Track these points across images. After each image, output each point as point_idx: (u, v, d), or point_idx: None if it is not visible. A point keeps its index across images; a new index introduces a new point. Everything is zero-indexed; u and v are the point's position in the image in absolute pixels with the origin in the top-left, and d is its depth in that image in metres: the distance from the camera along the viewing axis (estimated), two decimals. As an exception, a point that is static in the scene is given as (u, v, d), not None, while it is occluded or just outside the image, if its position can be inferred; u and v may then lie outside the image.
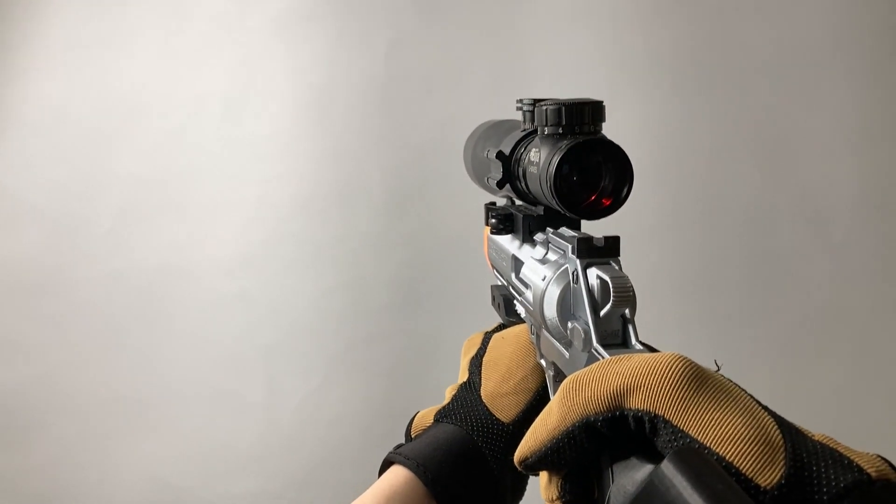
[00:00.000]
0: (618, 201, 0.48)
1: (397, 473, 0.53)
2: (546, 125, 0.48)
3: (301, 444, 1.29)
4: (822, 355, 1.27)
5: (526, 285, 0.55)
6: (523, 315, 0.60)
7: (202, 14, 1.29)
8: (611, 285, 0.43)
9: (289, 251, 1.28)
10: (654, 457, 0.35)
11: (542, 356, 0.56)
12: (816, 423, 0.37)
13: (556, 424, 0.38)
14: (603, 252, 0.46)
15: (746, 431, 0.32)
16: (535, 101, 0.54)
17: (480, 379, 0.61)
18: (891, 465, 0.32)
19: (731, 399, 0.34)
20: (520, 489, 0.59)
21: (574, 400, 0.37)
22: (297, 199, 1.27)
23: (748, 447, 0.32)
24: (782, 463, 0.31)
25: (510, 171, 0.57)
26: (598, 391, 0.36)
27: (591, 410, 0.36)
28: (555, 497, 0.40)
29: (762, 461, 0.31)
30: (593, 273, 0.45)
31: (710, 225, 1.26)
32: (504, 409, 0.58)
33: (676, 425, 0.33)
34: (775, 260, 1.26)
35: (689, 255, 1.27)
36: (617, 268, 0.45)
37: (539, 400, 0.58)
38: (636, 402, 0.35)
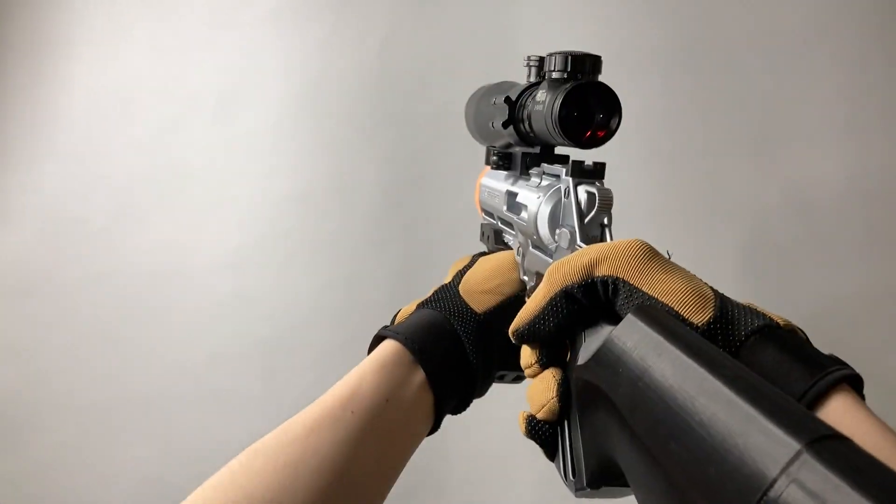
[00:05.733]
0: (610, 133, 0.58)
1: (386, 346, 0.60)
2: (553, 70, 0.58)
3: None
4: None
5: (519, 209, 0.66)
6: (511, 241, 0.72)
7: (194, 9, 1.29)
8: (597, 195, 0.55)
9: (284, 248, 1.28)
10: (618, 321, 0.42)
11: (524, 272, 0.66)
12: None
13: (542, 297, 0.48)
14: (592, 174, 0.57)
15: (686, 287, 0.43)
16: (541, 58, 0.65)
17: (461, 280, 0.69)
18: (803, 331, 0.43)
19: (675, 269, 0.45)
20: (488, 378, 0.66)
21: (555, 276, 0.48)
22: (292, 195, 1.27)
23: (687, 297, 0.42)
24: (711, 309, 0.41)
25: (514, 115, 0.66)
26: (575, 265, 0.47)
27: (569, 280, 0.47)
28: (533, 362, 0.51)
29: (697, 307, 0.42)
30: (582, 189, 0.56)
31: (701, 216, 1.27)
32: (477, 303, 0.66)
33: (633, 284, 0.44)
34: (766, 250, 1.27)
35: (680, 246, 1.27)
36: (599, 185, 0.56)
37: (513, 303, 0.66)
38: (603, 270, 0.46)
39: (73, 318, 1.31)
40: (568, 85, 0.56)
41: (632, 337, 0.39)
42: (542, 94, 0.60)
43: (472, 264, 0.72)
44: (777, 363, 0.39)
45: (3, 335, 1.31)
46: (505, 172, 0.73)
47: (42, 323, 1.31)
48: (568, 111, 0.56)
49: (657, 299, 0.43)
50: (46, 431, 1.32)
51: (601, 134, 0.58)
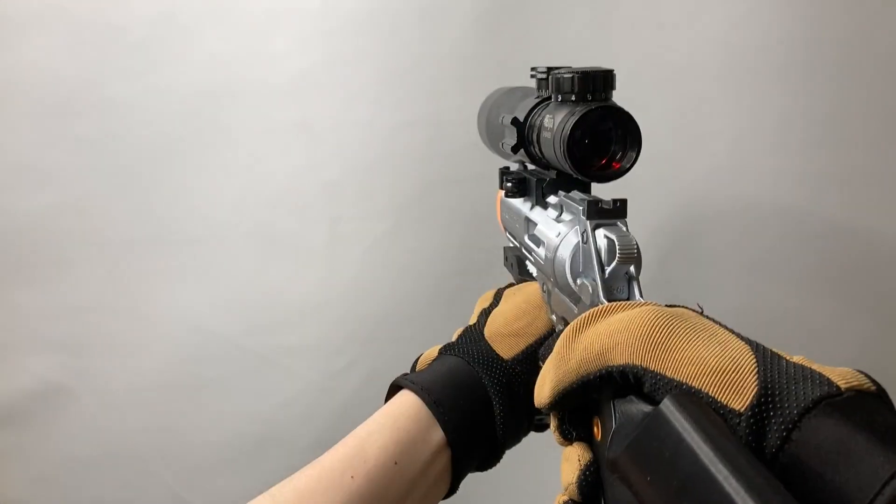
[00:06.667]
0: (626, 166, 0.52)
1: (402, 399, 0.57)
2: (560, 92, 0.51)
3: (366, 294, 1.15)
4: None
5: (538, 243, 0.59)
6: (535, 273, 0.64)
7: None
8: (617, 244, 0.47)
9: (359, 74, 1.09)
10: (650, 398, 0.38)
11: (552, 311, 0.59)
12: None
13: (555, 382, 0.43)
14: (611, 214, 0.50)
15: (717, 362, 0.35)
16: (549, 69, 0.58)
17: (486, 322, 0.65)
18: (869, 377, 0.34)
19: (703, 336, 0.37)
20: (518, 433, 0.62)
21: (567, 364, 0.42)
22: (372, 10, 1.07)
23: (720, 377, 0.35)
24: (754, 386, 0.34)
25: (524, 137, 0.60)
26: (587, 355, 0.41)
27: (584, 371, 0.41)
28: (553, 429, 0.46)
29: (734, 388, 0.34)
30: (601, 233, 0.49)
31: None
32: (505, 348, 0.62)
33: (655, 370, 0.37)
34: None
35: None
36: (624, 229, 0.49)
37: (541, 345, 0.59)
38: (619, 359, 0.39)
39: (109, 140, 1.13)
40: (576, 110, 0.50)
41: (663, 440, 0.33)
42: (549, 119, 0.53)
43: (497, 302, 0.68)
44: (840, 445, 0.30)
45: (32, 158, 1.14)
46: (522, 198, 0.66)
47: (74, 145, 1.14)
48: (577, 140, 0.51)
49: (688, 385, 0.36)
50: (78, 267, 1.18)
51: (616, 166, 0.52)
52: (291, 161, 1.13)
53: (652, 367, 0.37)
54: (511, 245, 0.74)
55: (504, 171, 0.68)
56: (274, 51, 1.10)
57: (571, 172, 0.53)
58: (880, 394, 0.34)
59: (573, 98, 0.50)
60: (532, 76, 0.62)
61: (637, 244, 0.47)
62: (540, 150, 0.57)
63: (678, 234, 1.10)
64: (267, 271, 1.16)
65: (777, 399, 0.33)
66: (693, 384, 0.35)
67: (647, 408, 0.38)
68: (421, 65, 1.09)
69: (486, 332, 0.64)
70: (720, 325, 0.39)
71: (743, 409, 0.34)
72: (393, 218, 1.14)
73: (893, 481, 0.28)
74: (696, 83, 1.05)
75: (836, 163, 1.06)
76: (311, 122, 1.12)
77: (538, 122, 0.57)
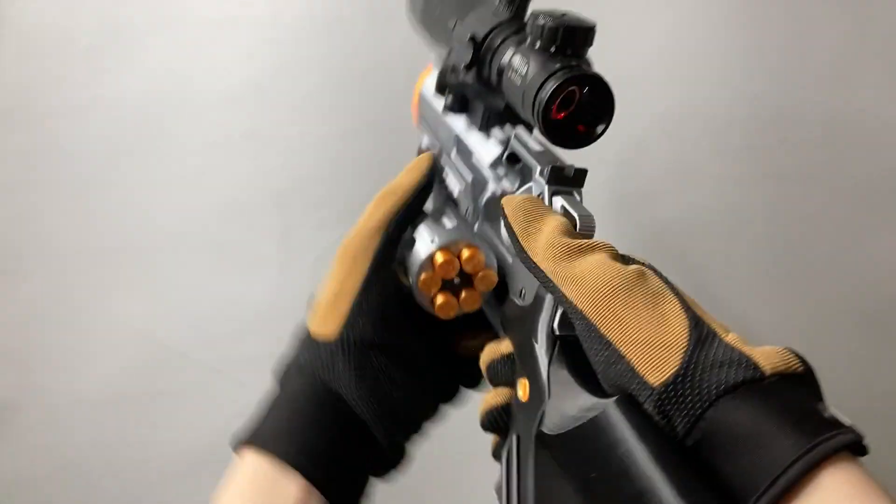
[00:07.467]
0: (594, 135, 0.48)
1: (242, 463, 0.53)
2: (540, 39, 0.47)
3: (317, 304, 1.14)
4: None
5: (472, 172, 0.57)
6: (457, 193, 0.60)
7: None
8: (578, 222, 0.45)
9: (307, 81, 1.09)
10: (591, 384, 0.40)
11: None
12: None
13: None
14: (571, 182, 0.48)
15: (649, 335, 0.36)
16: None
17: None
18: (798, 356, 0.35)
19: (649, 304, 0.38)
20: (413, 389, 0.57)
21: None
22: (319, 18, 1.08)
23: (646, 349, 0.36)
24: (675, 365, 0.34)
25: (479, 57, 0.55)
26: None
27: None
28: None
29: (656, 362, 0.35)
30: (559, 202, 0.47)
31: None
32: (323, 327, 0.58)
33: (593, 323, 0.38)
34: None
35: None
36: (579, 200, 0.48)
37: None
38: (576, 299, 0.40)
39: (53, 152, 1.12)
40: (557, 71, 0.45)
41: (599, 437, 0.35)
42: (520, 62, 0.48)
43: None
44: (753, 429, 0.32)
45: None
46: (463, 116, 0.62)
47: (15, 157, 1.12)
48: (552, 101, 0.46)
49: (615, 348, 0.37)
50: (21, 280, 1.16)
51: (581, 128, 0.48)
52: (240, 170, 1.12)
53: (592, 318, 0.38)
54: (425, 147, 0.71)
55: (446, 80, 0.60)
56: (221, 60, 1.10)
57: (536, 128, 0.49)
58: (806, 375, 0.35)
59: (552, 50, 0.47)
60: None
61: (595, 224, 0.46)
62: (497, 81, 0.53)
63: (625, 240, 1.12)
64: (217, 281, 1.15)
65: (696, 380, 0.34)
66: (621, 349, 0.37)
67: (587, 397, 0.39)
68: (369, 72, 1.09)
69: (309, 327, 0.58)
70: (675, 292, 0.40)
71: (657, 384, 0.35)
72: (344, 226, 1.12)
73: (797, 464, 0.29)
74: (637, 90, 1.07)
75: (775, 165, 1.08)
76: (259, 131, 1.11)
77: (505, 58, 0.52)
